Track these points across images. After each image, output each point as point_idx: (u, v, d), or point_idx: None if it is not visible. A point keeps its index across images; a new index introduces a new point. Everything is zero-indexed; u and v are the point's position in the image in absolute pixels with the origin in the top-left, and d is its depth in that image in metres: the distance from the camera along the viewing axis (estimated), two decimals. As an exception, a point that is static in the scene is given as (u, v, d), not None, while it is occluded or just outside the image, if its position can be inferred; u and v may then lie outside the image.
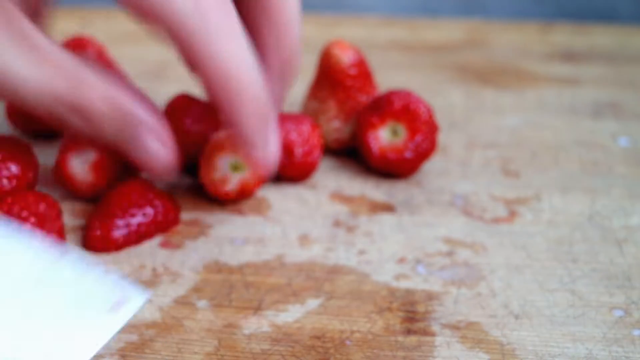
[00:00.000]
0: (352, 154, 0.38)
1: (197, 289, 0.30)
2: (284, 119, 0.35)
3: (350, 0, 0.61)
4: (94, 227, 0.32)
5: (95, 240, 0.32)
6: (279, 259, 0.32)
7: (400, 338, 0.27)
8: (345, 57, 0.37)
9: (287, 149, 0.35)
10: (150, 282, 0.30)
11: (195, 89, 0.36)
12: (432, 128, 0.36)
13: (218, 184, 0.34)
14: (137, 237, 0.32)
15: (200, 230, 0.33)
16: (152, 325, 0.28)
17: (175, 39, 0.27)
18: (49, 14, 0.33)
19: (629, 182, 0.37)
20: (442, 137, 0.39)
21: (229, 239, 0.33)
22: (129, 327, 0.27)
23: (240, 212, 0.35)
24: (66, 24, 0.50)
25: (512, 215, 0.34)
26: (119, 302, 0.25)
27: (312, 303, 0.29)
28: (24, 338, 0.23)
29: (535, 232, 0.33)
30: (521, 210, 0.35)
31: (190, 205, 0.35)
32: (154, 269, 0.31)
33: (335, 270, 0.31)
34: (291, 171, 0.36)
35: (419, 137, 0.36)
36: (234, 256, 0.32)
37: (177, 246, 0.32)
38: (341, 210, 0.35)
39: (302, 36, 0.32)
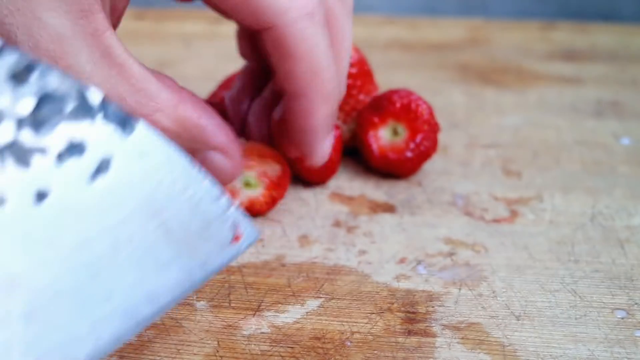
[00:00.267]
0: (353, 153, 0.38)
1: (196, 290, 0.30)
2: None
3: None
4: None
5: None
6: (278, 260, 0.31)
7: (400, 339, 0.27)
8: (346, 57, 0.37)
9: None
10: (149, 282, 0.30)
11: (195, 89, 0.36)
12: (433, 128, 0.36)
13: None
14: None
15: (199, 230, 0.33)
16: (151, 326, 0.28)
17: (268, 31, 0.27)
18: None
19: (632, 181, 0.37)
20: (443, 137, 0.39)
21: (228, 239, 0.33)
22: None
23: (240, 212, 0.34)
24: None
25: (514, 215, 0.34)
26: (238, 236, 0.24)
27: (312, 304, 0.29)
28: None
29: (537, 232, 0.33)
30: (522, 210, 0.35)
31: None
32: (153, 270, 0.31)
33: (335, 271, 0.31)
34: (312, 175, 0.36)
35: (419, 137, 0.36)
36: (234, 256, 0.32)
37: (177, 246, 0.32)
38: (341, 210, 0.35)
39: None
